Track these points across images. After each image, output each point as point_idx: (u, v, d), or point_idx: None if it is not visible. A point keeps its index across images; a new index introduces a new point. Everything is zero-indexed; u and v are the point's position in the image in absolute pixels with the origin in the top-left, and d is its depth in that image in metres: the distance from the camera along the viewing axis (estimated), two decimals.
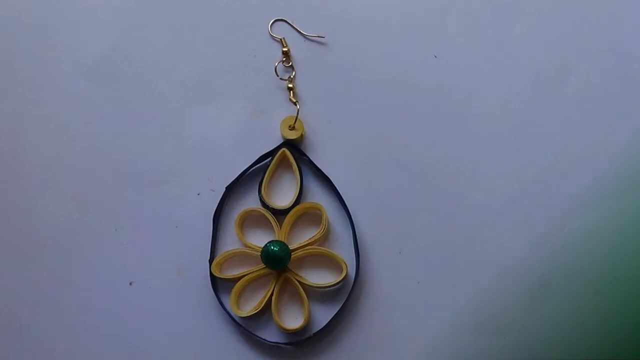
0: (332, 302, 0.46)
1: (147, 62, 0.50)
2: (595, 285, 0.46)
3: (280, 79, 0.49)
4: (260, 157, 0.48)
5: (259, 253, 0.45)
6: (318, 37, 0.50)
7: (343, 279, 0.46)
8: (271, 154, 0.48)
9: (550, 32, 0.50)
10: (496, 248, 0.47)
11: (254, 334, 0.46)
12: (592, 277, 0.46)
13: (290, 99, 0.49)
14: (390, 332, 0.46)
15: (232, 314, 0.46)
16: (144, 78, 0.49)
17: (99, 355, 0.46)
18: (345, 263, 0.46)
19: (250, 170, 0.48)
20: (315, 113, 0.49)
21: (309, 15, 0.50)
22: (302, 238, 0.47)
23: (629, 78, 0.49)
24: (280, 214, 0.47)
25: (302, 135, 0.48)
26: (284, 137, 0.48)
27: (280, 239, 0.46)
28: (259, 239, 0.46)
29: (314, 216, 0.47)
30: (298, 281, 0.46)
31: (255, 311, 0.45)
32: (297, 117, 0.48)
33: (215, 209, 0.47)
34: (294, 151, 0.48)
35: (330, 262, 0.47)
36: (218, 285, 0.47)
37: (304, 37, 0.50)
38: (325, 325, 0.45)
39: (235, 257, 0.47)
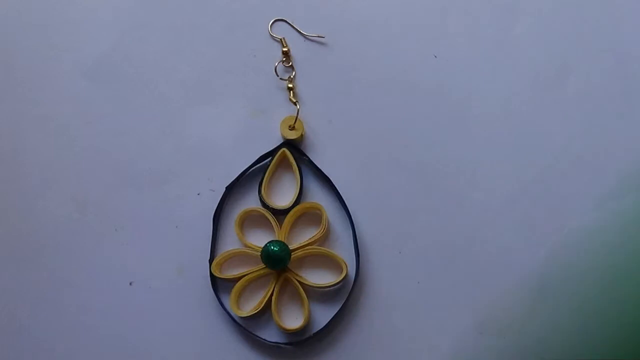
0: (332, 302, 0.46)
1: (147, 62, 0.50)
2: (595, 285, 0.46)
3: (280, 79, 0.49)
4: (260, 157, 0.48)
5: (259, 253, 0.45)
6: (318, 37, 0.50)
7: (343, 279, 0.46)
8: (271, 154, 0.48)
9: (550, 32, 0.50)
10: (496, 248, 0.47)
11: (254, 334, 0.46)
12: (592, 277, 0.46)
13: (290, 99, 0.49)
14: (390, 332, 0.46)
15: (232, 314, 0.46)
16: (144, 78, 0.49)
17: (99, 355, 0.46)
18: (345, 263, 0.46)
19: (250, 170, 0.48)
20: (315, 113, 0.49)
21: (309, 15, 0.50)
22: (302, 238, 0.47)
23: (629, 78, 0.49)
24: (280, 214, 0.47)
25: (302, 135, 0.48)
26: (284, 137, 0.48)
27: (280, 239, 0.46)
28: (259, 239, 0.46)
29: (314, 216, 0.47)
30: (298, 281, 0.46)
31: (255, 311, 0.45)
32: (297, 117, 0.48)
33: (215, 209, 0.47)
34: (294, 151, 0.48)
35: (330, 262, 0.47)
36: (218, 285, 0.47)
37: (304, 37, 0.50)
38: (325, 325, 0.45)
39: (235, 257, 0.47)
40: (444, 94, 0.49)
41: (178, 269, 0.47)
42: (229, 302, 0.46)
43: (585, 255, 0.46)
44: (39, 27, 0.50)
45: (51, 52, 0.50)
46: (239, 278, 0.46)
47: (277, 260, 0.45)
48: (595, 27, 0.50)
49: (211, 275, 0.46)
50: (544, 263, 0.46)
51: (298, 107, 0.48)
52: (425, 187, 0.48)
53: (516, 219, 0.47)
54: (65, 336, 0.46)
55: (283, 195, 0.48)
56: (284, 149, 0.47)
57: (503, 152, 0.48)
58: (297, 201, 0.47)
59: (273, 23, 0.50)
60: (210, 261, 0.46)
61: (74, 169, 0.48)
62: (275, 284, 0.46)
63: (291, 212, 0.47)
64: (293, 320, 0.46)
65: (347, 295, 0.46)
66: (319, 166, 0.47)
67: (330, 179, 0.47)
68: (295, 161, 0.47)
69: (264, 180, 0.47)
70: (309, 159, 0.48)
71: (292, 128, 0.48)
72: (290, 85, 0.49)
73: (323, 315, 0.46)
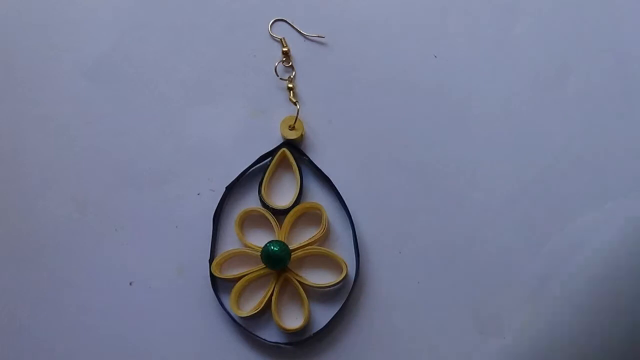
0: (332, 302, 0.46)
1: (147, 62, 0.50)
2: (595, 285, 0.46)
3: (280, 79, 0.49)
4: (260, 157, 0.48)
5: (259, 253, 0.45)
6: (318, 37, 0.50)
7: (343, 279, 0.46)
8: (271, 154, 0.48)
9: (550, 32, 0.50)
10: (496, 248, 0.47)
11: (254, 334, 0.46)
12: (592, 277, 0.46)
13: (290, 99, 0.49)
14: (390, 332, 0.46)
15: (232, 314, 0.46)
16: (144, 78, 0.49)
17: (99, 355, 0.46)
18: (345, 263, 0.46)
19: (250, 170, 0.48)
20: (315, 113, 0.49)
21: (309, 15, 0.50)
22: (302, 238, 0.47)
23: (629, 78, 0.49)
24: (280, 214, 0.47)
25: (302, 135, 0.48)
26: (284, 137, 0.48)
27: (280, 239, 0.46)
28: (259, 239, 0.46)
29: (314, 216, 0.47)
30: (298, 281, 0.46)
31: (255, 311, 0.45)
32: (297, 117, 0.48)
33: (215, 209, 0.47)
34: (294, 151, 0.48)
35: (330, 262, 0.47)
36: (218, 285, 0.47)
37: (304, 37, 0.50)
38: (325, 325, 0.45)
39: (235, 257, 0.47)
40: (444, 94, 0.49)
41: (178, 269, 0.47)
42: (229, 302, 0.46)
43: (585, 255, 0.46)
44: (39, 27, 0.50)
45: (51, 52, 0.50)
46: (239, 278, 0.46)
47: (277, 260, 0.45)
48: (595, 27, 0.50)
49: (211, 275, 0.46)
50: (544, 263, 0.46)
51: (298, 107, 0.48)
52: (425, 187, 0.48)
53: (516, 219, 0.47)
54: (65, 336, 0.46)
55: (283, 195, 0.48)
56: (284, 149, 0.47)
57: (503, 152, 0.48)
58: (297, 201, 0.47)
59: (273, 23, 0.50)
60: (210, 261, 0.46)
61: (74, 169, 0.48)
62: (275, 284, 0.46)
63: (291, 212, 0.47)
64: (293, 320, 0.46)
65: (347, 295, 0.46)
66: (319, 166, 0.47)
67: (330, 179, 0.47)
68: (295, 161, 0.47)
69: (264, 180, 0.47)
70: (309, 159, 0.48)
71: (292, 128, 0.48)
72: (290, 85, 0.49)
73: (323, 315, 0.46)
